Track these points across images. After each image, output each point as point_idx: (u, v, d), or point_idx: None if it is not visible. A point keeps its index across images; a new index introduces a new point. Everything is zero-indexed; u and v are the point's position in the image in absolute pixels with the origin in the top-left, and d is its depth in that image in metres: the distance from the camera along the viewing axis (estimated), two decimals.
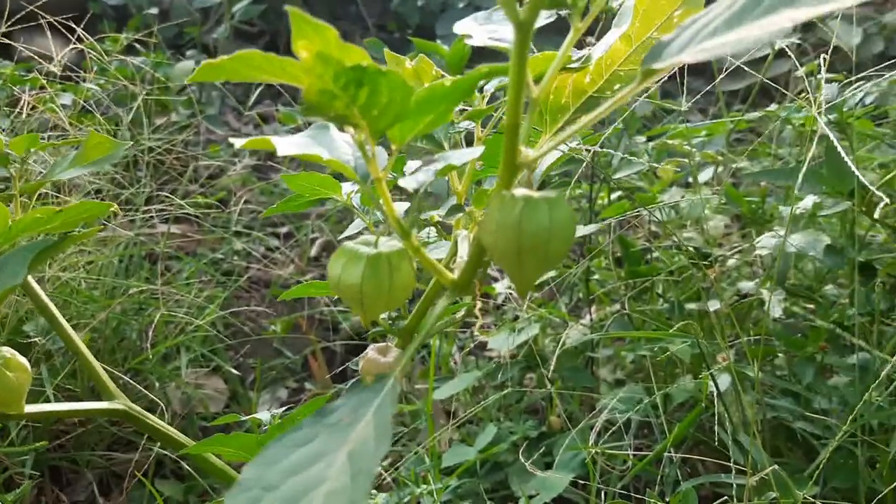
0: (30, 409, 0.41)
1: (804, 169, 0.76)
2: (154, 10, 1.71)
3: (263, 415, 0.58)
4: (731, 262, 0.97)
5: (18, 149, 0.44)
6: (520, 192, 0.27)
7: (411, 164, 0.32)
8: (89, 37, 1.28)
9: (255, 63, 0.29)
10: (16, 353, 0.39)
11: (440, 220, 0.40)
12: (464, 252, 0.35)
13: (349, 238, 0.35)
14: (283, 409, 0.56)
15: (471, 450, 0.89)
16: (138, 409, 0.47)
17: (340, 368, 1.24)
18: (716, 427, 0.69)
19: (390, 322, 0.55)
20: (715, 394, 0.80)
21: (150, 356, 1.04)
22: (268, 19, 2.29)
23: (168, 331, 1.14)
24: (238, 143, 0.32)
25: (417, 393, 1.15)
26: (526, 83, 0.26)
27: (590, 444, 0.83)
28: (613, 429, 0.82)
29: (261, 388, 1.24)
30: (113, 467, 1.08)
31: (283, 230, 1.67)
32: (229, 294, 1.26)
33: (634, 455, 0.85)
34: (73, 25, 1.24)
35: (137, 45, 1.64)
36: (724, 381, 0.81)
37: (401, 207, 0.62)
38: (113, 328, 1.10)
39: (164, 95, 1.51)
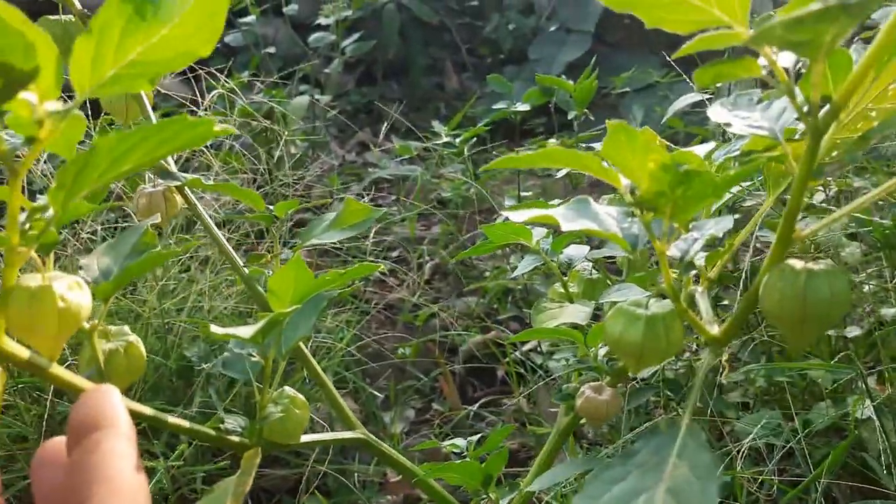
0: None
1: None
2: (271, 50, 1.82)
3: (459, 441, 0.64)
4: (865, 288, 0.99)
5: (280, 212, 0.51)
6: (798, 263, 0.32)
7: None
8: (222, 77, 1.38)
9: (555, 157, 0.34)
10: (297, 392, 0.46)
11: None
12: (705, 308, 0.40)
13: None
14: (481, 440, 0.61)
15: None
16: (373, 437, 0.53)
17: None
18: (881, 456, 0.71)
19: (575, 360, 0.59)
20: (860, 420, 0.82)
21: (304, 378, 1.11)
22: (366, 51, 2.38)
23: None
24: (519, 217, 0.38)
25: (546, 415, 1.19)
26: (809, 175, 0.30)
27: (724, 468, 0.86)
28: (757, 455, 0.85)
29: (390, 409, 1.30)
30: (263, 483, 1.16)
31: (395, 254, 1.75)
32: (362, 318, 1.34)
33: (779, 480, 0.87)
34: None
35: (258, 83, 1.75)
36: (869, 405, 0.83)
37: (578, 252, 0.67)
38: None
39: (283, 130, 1.61)
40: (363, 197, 1.57)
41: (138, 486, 0.27)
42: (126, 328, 0.42)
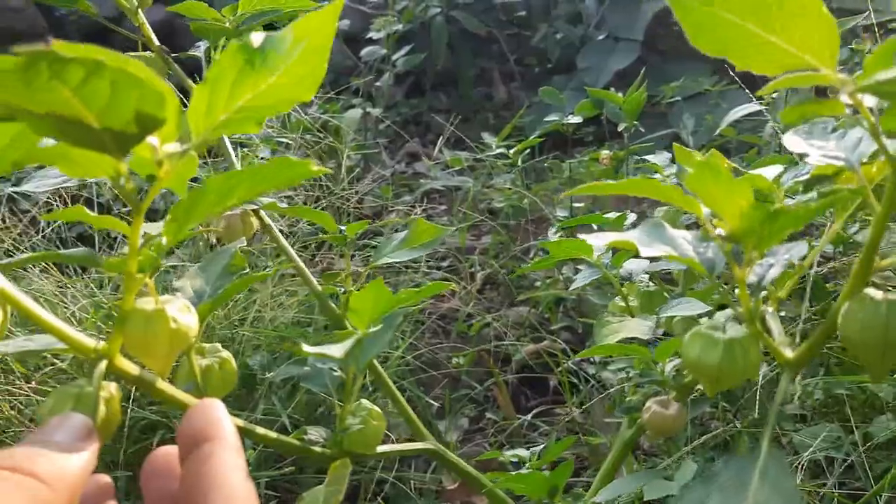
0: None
1: None
2: None
3: (522, 451, 0.65)
4: None
5: (351, 231, 0.53)
6: (878, 293, 0.33)
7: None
8: None
9: (639, 187, 0.36)
10: (373, 405, 0.48)
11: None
12: (776, 329, 0.40)
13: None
14: (541, 451, 0.63)
15: (673, 484, 0.93)
16: (443, 448, 0.55)
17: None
18: None
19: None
20: None
21: (363, 386, 1.14)
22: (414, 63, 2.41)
23: None
24: (599, 240, 0.39)
25: (599, 426, 1.20)
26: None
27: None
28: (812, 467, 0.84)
29: (443, 418, 1.32)
30: None
31: (446, 264, 1.77)
32: (416, 329, 1.36)
33: (839, 493, 0.87)
34: None
35: (314, 98, 1.79)
36: None
37: (638, 266, 0.68)
38: None
39: (343, 146, 1.64)
40: (415, 208, 1.59)
41: (248, 494, 0.30)
42: (218, 345, 0.45)
